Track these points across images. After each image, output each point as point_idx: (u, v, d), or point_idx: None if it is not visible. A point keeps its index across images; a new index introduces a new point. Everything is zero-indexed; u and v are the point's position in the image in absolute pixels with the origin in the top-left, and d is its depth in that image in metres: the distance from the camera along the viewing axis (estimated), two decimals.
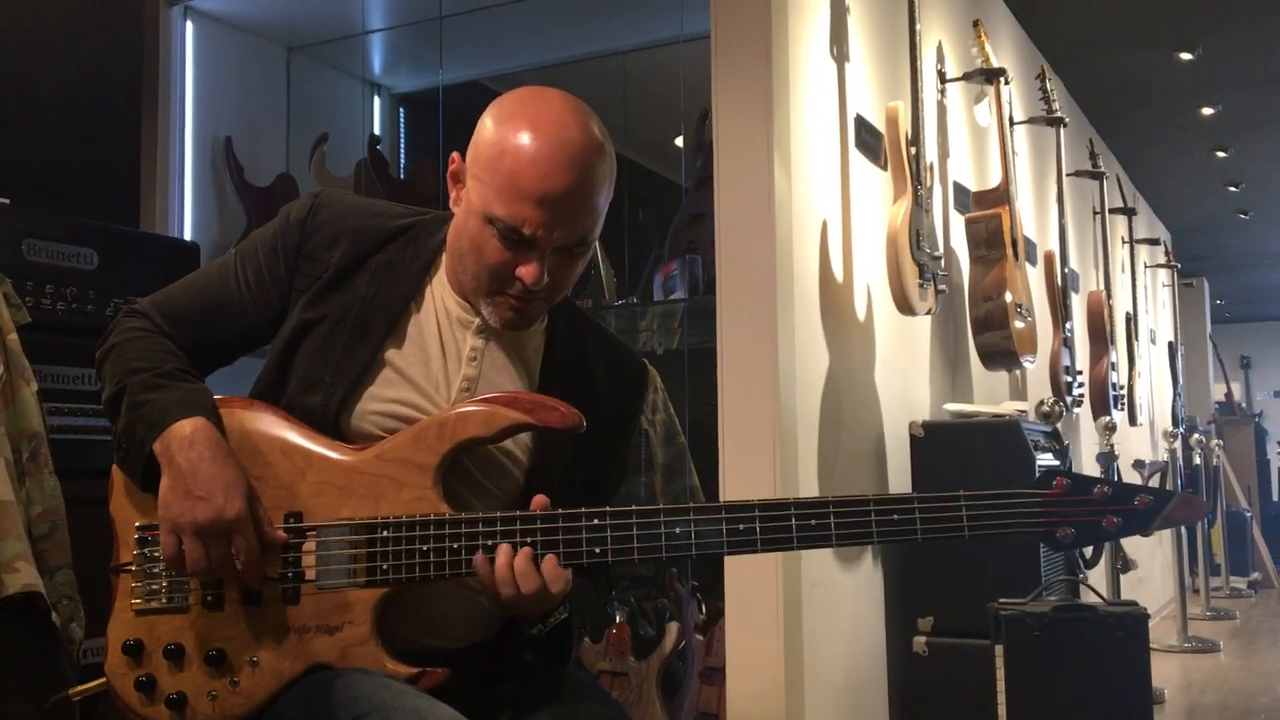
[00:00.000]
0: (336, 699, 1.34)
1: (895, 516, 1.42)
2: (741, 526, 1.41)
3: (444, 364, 1.52)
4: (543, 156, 1.39)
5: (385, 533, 1.42)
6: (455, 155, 1.50)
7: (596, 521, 1.41)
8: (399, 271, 1.53)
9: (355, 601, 1.42)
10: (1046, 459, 3.27)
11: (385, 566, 1.41)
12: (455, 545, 1.41)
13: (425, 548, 1.41)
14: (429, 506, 1.43)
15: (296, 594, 1.42)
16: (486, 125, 1.44)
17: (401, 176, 4.09)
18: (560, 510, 1.42)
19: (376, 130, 4.24)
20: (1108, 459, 3.98)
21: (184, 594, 1.44)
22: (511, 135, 1.40)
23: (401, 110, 4.41)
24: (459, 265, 1.49)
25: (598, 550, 1.41)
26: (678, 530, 1.41)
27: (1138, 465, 5.35)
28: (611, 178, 1.47)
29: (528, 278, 1.43)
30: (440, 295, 1.54)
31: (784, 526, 1.41)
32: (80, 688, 1.51)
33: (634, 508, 1.42)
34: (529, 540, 1.40)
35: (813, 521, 1.41)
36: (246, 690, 1.41)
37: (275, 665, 1.41)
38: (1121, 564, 3.71)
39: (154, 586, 1.45)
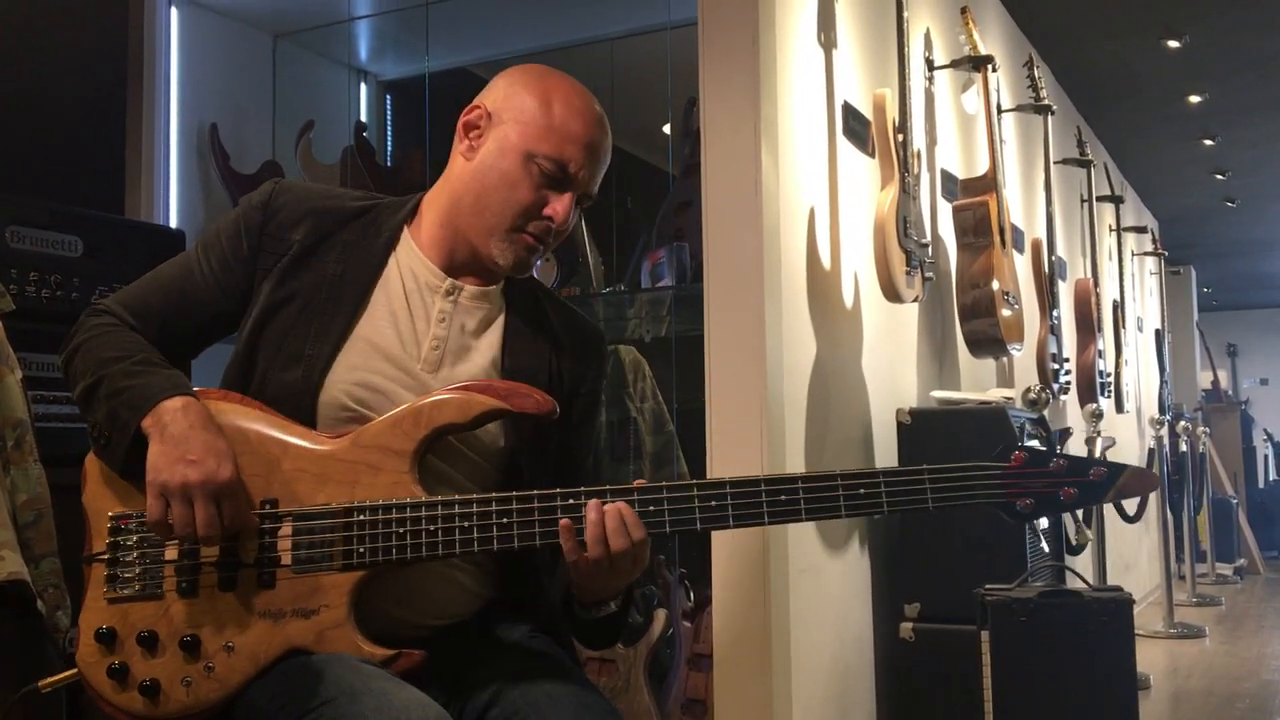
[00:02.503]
0: (306, 684, 1.34)
1: (862, 491, 1.45)
2: (714, 503, 1.44)
3: (412, 325, 1.56)
4: (586, 111, 1.58)
5: (361, 516, 1.43)
6: (477, 104, 1.60)
7: (572, 501, 1.43)
8: (364, 249, 1.59)
9: (331, 585, 1.42)
10: (1033, 447, 3.27)
11: (362, 550, 1.42)
12: (432, 528, 1.43)
13: (402, 530, 1.43)
14: (405, 492, 1.44)
15: (272, 579, 1.43)
16: (519, 82, 1.58)
17: (389, 164, 4.07)
18: (535, 492, 1.44)
19: (363, 117, 4.22)
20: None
21: (158, 581, 1.43)
22: (555, 89, 1.58)
23: (388, 97, 4.39)
24: (477, 206, 1.56)
25: None
26: (651, 508, 1.44)
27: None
28: None
29: (559, 212, 1.55)
30: (407, 263, 1.59)
31: (755, 503, 1.45)
32: (49, 680, 1.49)
33: (609, 486, 1.45)
34: (505, 521, 1.43)
35: (782, 497, 1.45)
36: (221, 675, 1.41)
37: (251, 650, 1.41)
38: (1077, 540, 3.67)
39: (127, 575, 1.44)
